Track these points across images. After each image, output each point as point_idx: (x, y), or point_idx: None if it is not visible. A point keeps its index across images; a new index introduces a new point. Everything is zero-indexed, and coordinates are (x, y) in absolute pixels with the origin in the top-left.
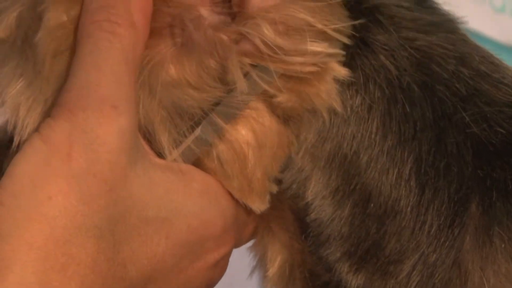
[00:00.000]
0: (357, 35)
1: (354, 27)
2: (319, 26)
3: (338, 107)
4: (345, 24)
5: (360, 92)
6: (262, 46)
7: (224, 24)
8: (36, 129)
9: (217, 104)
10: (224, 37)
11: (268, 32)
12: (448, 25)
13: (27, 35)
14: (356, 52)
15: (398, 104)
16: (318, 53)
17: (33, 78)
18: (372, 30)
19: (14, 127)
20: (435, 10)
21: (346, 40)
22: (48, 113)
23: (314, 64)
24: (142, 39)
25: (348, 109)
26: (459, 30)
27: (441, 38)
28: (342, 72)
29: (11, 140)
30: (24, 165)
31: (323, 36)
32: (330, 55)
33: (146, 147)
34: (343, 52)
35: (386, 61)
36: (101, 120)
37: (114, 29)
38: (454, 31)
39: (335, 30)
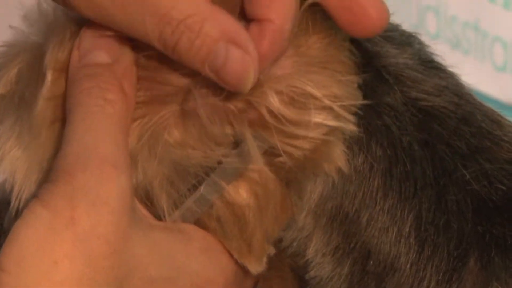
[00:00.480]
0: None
1: (361, 86)
2: (326, 102)
3: (344, 168)
4: (353, 102)
5: (363, 151)
6: (267, 116)
7: (231, 92)
8: (35, 195)
9: (219, 163)
10: (232, 107)
11: (274, 101)
12: (452, 87)
13: (24, 94)
14: (361, 111)
15: (399, 163)
16: (322, 126)
17: (29, 142)
18: (378, 89)
19: (11, 190)
20: (440, 71)
21: (351, 119)
22: (45, 178)
23: (316, 138)
24: (132, 106)
25: (352, 168)
26: (463, 91)
27: (445, 99)
28: (350, 130)
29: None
30: (27, 231)
31: (329, 110)
32: (334, 128)
33: (143, 210)
34: (347, 127)
35: (389, 121)
36: (102, 180)
37: (105, 95)
38: (458, 93)
39: (341, 107)
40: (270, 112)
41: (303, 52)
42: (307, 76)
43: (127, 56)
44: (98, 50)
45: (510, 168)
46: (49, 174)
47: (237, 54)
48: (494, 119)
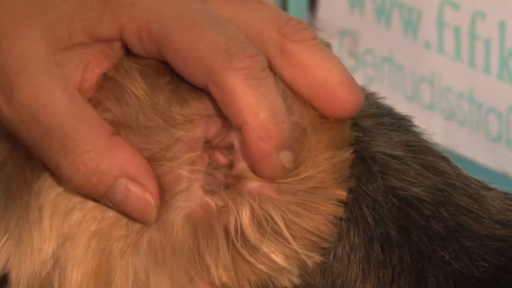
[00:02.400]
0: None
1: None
2: (293, 246)
3: (317, 260)
4: (325, 237)
5: (343, 239)
6: (232, 229)
7: (216, 188)
8: None
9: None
10: (212, 204)
11: (245, 217)
12: (436, 168)
13: (11, 187)
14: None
15: (375, 251)
16: (274, 263)
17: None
18: (363, 178)
19: None
20: (427, 154)
21: (312, 255)
22: None
23: (263, 272)
24: None
25: (331, 257)
26: (447, 169)
27: (426, 185)
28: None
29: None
30: None
31: (289, 249)
32: (284, 269)
33: None
34: (297, 272)
35: (367, 212)
36: None
37: None
38: (441, 173)
39: (306, 246)
40: (236, 227)
41: (304, 177)
42: (290, 205)
43: None
44: None
45: (491, 244)
46: None
47: (136, 191)
48: (475, 198)
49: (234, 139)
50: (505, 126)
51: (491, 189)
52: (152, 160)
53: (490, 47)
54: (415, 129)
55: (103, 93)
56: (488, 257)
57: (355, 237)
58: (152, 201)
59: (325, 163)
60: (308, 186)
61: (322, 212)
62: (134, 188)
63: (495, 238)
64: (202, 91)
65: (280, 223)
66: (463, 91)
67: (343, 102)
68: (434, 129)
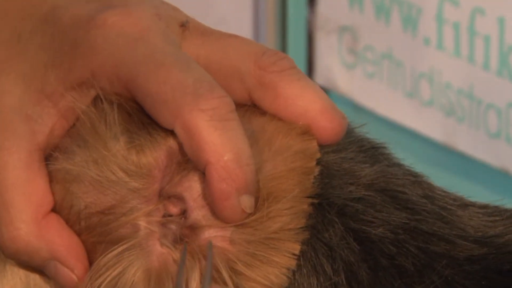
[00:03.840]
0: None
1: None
2: None
3: None
4: None
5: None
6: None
7: (171, 240)
8: None
9: None
10: (169, 258)
11: (196, 274)
12: (401, 202)
13: None
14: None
15: None
16: None
17: None
18: (318, 226)
19: None
20: (392, 189)
21: None
22: None
23: None
24: None
25: None
26: (414, 201)
27: (390, 224)
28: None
29: None
30: None
31: None
32: None
33: None
34: None
35: (324, 261)
36: None
37: None
38: (408, 205)
39: None
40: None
41: (258, 228)
42: (241, 259)
43: None
44: None
45: (470, 268)
46: None
47: (64, 273)
48: (448, 220)
49: (185, 190)
50: (505, 123)
51: (469, 205)
52: (107, 214)
53: (490, 44)
54: (386, 157)
55: (66, 141)
56: (468, 282)
57: (315, 282)
58: (78, 281)
59: (283, 214)
60: (262, 237)
61: (274, 264)
62: (62, 270)
63: (473, 260)
64: (160, 138)
65: (228, 279)
66: (463, 87)
67: (326, 130)
68: (434, 125)
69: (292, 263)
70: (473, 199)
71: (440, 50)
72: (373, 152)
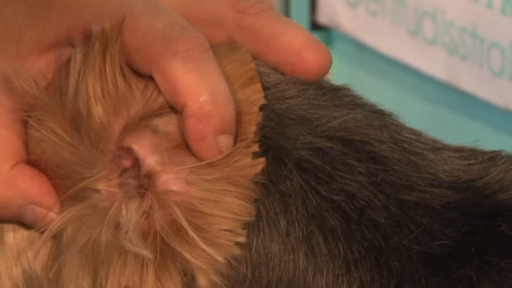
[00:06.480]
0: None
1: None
2: (202, 245)
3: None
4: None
5: (281, 234)
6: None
7: (133, 195)
8: None
9: None
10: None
11: (159, 220)
12: (367, 152)
13: None
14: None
15: (321, 243)
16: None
17: None
18: (276, 179)
19: None
20: (354, 138)
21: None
22: None
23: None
24: None
25: (274, 251)
26: (381, 152)
27: (356, 181)
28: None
29: None
30: None
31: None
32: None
33: None
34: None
35: (282, 209)
36: None
37: None
38: (374, 155)
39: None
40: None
41: (215, 166)
42: (201, 197)
43: None
44: None
45: (447, 215)
46: None
47: (42, 214)
48: (420, 167)
49: (133, 141)
50: (508, 61)
51: (442, 149)
52: (70, 178)
53: None
54: (348, 100)
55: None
56: (448, 230)
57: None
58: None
59: (238, 155)
60: (220, 175)
61: (236, 194)
62: (40, 210)
63: (451, 207)
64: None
65: (185, 224)
66: (466, 26)
67: (311, 62)
68: (437, 63)
69: (255, 192)
70: (451, 142)
71: None
72: (333, 95)
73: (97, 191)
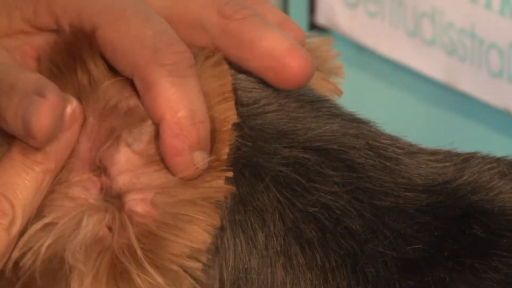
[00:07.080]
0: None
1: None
2: (152, 272)
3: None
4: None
5: (259, 249)
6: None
7: (103, 211)
8: None
9: None
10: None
11: (127, 239)
12: (339, 159)
13: None
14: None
15: (298, 254)
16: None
17: None
18: (252, 195)
19: None
20: (328, 147)
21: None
22: None
23: None
24: None
25: (251, 265)
26: (353, 159)
27: (329, 192)
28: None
29: None
30: None
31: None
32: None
33: None
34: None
35: (260, 223)
36: None
37: None
38: (348, 162)
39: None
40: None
41: (179, 188)
42: (164, 220)
43: None
44: None
45: (420, 219)
46: None
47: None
48: (394, 172)
49: (107, 159)
50: (507, 62)
51: (417, 153)
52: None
53: None
54: (326, 110)
55: None
56: (420, 235)
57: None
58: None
59: (206, 178)
60: (185, 198)
61: (199, 222)
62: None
63: (424, 211)
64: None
65: (135, 244)
66: (465, 26)
67: (293, 68)
68: (435, 64)
69: (217, 220)
70: (431, 145)
71: None
72: (311, 107)
73: (73, 198)
